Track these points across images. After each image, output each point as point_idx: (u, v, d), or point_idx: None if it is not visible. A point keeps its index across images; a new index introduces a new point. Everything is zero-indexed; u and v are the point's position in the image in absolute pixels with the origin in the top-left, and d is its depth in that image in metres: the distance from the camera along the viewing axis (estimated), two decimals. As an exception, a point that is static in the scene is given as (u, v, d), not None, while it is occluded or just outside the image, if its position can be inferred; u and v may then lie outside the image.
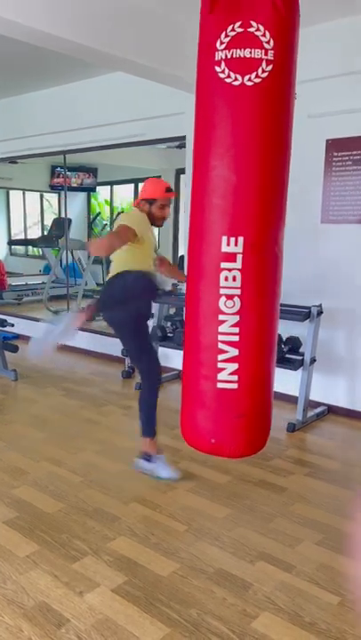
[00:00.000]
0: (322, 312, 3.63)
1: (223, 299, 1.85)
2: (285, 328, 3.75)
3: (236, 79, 1.72)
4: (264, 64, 1.71)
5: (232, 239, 1.80)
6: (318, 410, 3.83)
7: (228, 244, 1.81)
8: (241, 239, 1.80)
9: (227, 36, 1.70)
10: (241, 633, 1.78)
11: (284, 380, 3.93)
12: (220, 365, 1.91)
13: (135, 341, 2.82)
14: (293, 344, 3.75)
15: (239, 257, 1.82)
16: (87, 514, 2.48)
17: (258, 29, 1.70)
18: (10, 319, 5.04)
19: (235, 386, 1.93)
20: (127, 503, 2.59)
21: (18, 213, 9.18)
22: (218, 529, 2.39)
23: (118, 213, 8.44)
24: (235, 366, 1.90)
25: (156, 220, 2.71)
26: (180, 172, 6.99)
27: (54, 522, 2.41)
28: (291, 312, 3.59)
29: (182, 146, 4.63)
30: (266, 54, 1.71)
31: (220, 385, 1.94)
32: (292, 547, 2.26)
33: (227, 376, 1.91)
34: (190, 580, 2.04)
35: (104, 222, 8.97)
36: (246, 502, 2.62)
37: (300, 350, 3.72)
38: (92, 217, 8.92)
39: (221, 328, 1.88)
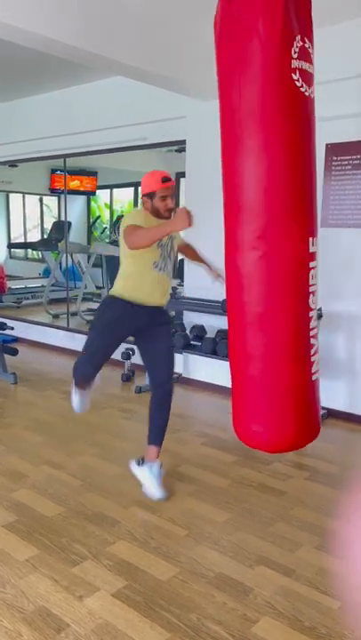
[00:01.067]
0: (322, 316, 3.64)
1: (311, 296, 1.98)
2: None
3: (305, 89, 1.83)
4: (314, 80, 1.88)
5: (313, 239, 1.96)
6: (318, 413, 3.83)
7: (313, 245, 1.95)
8: (315, 239, 1.98)
9: (297, 47, 1.79)
10: (241, 637, 1.77)
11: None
12: (312, 359, 2.02)
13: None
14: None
15: (316, 255, 1.99)
16: (87, 517, 2.48)
17: (310, 47, 1.85)
18: (9, 322, 5.04)
19: (319, 376, 2.09)
20: (127, 507, 2.58)
21: (18, 216, 9.20)
22: (218, 533, 2.38)
23: (119, 217, 8.45)
24: (317, 357, 2.06)
25: (161, 214, 2.52)
26: (180, 175, 7.01)
27: (54, 525, 2.41)
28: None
29: (182, 150, 4.64)
30: (313, 71, 1.87)
31: (314, 377, 2.05)
32: (292, 551, 2.26)
33: (316, 367, 2.05)
34: (190, 585, 2.03)
35: (104, 225, 9.00)
36: (246, 506, 2.61)
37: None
38: (92, 220, 8.94)
39: (311, 324, 2.00)
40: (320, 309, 3.63)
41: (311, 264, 1.96)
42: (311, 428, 2.08)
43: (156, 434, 2.71)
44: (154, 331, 2.68)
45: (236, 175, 1.88)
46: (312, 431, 2.09)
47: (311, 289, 1.97)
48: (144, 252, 2.47)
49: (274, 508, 2.61)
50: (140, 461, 2.75)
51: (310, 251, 1.95)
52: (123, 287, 2.61)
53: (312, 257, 1.96)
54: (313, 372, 2.03)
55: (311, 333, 2.00)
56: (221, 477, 2.90)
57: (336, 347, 3.83)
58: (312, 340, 2.01)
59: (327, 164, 3.69)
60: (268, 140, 1.81)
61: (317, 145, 3.64)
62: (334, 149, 3.65)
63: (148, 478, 2.68)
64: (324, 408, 3.89)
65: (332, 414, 3.88)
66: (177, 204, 7.54)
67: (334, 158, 3.66)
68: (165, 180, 2.51)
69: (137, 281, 2.59)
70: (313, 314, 2.00)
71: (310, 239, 1.94)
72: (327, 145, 3.67)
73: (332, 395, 3.88)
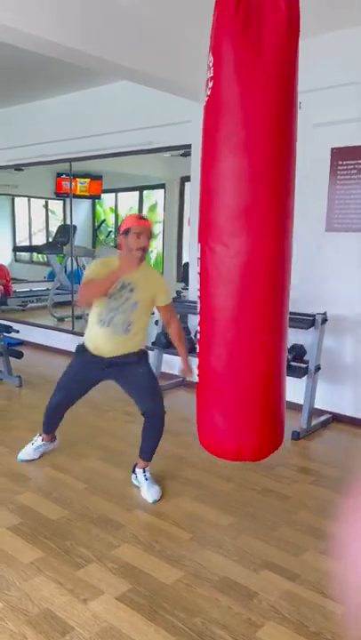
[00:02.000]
0: (326, 320, 3.64)
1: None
2: (290, 336, 3.76)
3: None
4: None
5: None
6: (323, 418, 3.82)
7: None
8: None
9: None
10: (245, 642, 1.77)
11: (289, 388, 3.93)
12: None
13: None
14: (298, 352, 3.75)
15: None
16: (91, 521, 2.48)
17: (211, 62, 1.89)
18: (15, 325, 5.06)
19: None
20: (131, 510, 2.58)
21: (23, 220, 9.24)
22: (222, 537, 2.38)
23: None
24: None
25: (130, 252, 2.49)
26: (185, 180, 7.03)
27: (58, 528, 2.41)
28: (295, 320, 3.59)
29: (187, 154, 4.66)
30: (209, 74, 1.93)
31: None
32: (297, 555, 2.26)
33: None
34: (195, 589, 2.03)
35: (109, 229, 9.02)
36: (250, 510, 2.61)
37: (305, 358, 3.72)
38: (97, 224, 8.97)
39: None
40: (325, 313, 3.62)
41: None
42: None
43: (146, 451, 2.79)
44: (124, 373, 2.73)
45: (214, 169, 1.88)
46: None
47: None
48: (94, 304, 2.62)
49: (278, 512, 2.60)
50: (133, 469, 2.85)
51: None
52: (85, 335, 2.77)
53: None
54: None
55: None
56: (225, 481, 2.90)
57: (341, 351, 3.82)
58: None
59: (333, 169, 3.70)
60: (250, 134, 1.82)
61: (323, 149, 3.70)
62: (340, 154, 3.66)
63: (140, 484, 2.77)
64: (328, 412, 3.88)
65: (338, 419, 3.87)
66: (181, 207, 7.56)
67: (340, 162, 3.66)
68: (141, 218, 2.57)
69: (91, 331, 2.71)
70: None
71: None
72: (333, 149, 3.67)
73: (337, 399, 3.88)
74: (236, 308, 1.90)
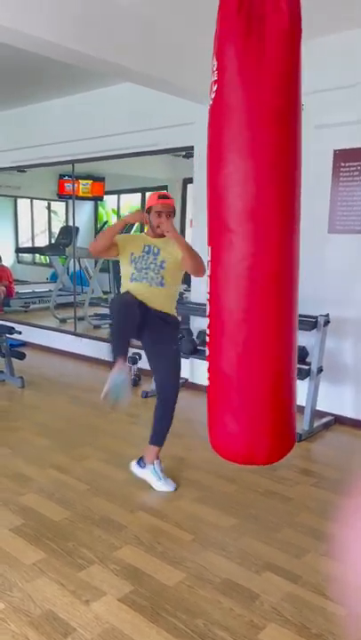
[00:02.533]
0: (329, 321, 3.63)
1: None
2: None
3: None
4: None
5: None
6: (325, 420, 3.82)
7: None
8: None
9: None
10: (247, 644, 1.77)
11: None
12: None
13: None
14: (300, 353, 3.75)
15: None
16: (93, 522, 2.48)
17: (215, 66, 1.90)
18: (17, 327, 5.06)
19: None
20: (133, 512, 2.58)
21: (25, 221, 9.26)
22: (224, 538, 2.38)
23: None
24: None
25: (153, 229, 2.71)
26: (188, 181, 7.04)
27: (60, 530, 2.41)
28: (298, 321, 3.59)
29: (190, 155, 4.67)
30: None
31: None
32: (299, 557, 2.25)
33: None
34: (197, 590, 2.03)
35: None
36: (252, 512, 2.61)
37: (307, 360, 3.72)
38: (100, 225, 8.98)
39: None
40: (327, 315, 3.62)
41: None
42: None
43: (156, 435, 2.83)
44: (156, 334, 2.75)
45: (220, 172, 1.88)
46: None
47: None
48: (122, 264, 2.75)
49: (280, 513, 2.60)
50: (142, 463, 2.85)
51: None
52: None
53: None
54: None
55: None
56: (228, 483, 2.90)
57: (343, 353, 3.82)
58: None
59: (335, 170, 3.70)
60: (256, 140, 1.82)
61: (325, 151, 3.70)
62: (342, 155, 3.66)
63: (154, 477, 2.80)
64: (331, 414, 3.88)
65: (339, 420, 3.86)
66: (184, 209, 7.55)
67: (342, 164, 3.66)
68: (162, 197, 2.68)
69: (125, 286, 2.77)
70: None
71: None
72: (335, 151, 3.67)
73: (338, 401, 3.87)
74: (246, 310, 1.90)
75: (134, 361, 4.61)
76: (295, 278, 1.97)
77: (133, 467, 2.89)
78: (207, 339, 2.07)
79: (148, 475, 2.82)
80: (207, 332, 2.06)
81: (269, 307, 1.91)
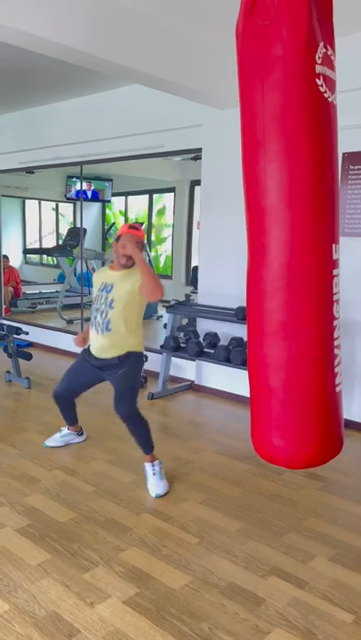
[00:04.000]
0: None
1: (335, 305, 1.91)
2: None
3: (328, 94, 1.80)
4: (336, 87, 1.85)
5: (336, 246, 1.91)
6: (332, 423, 3.79)
7: (336, 252, 1.91)
8: (337, 246, 1.93)
9: (321, 53, 1.76)
10: (253, 649, 1.76)
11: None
12: (336, 370, 1.93)
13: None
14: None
15: (338, 263, 1.94)
16: (99, 524, 2.48)
17: (332, 54, 1.82)
18: (24, 327, 5.08)
19: (342, 388, 1.98)
20: (139, 514, 2.58)
21: (33, 223, 9.30)
22: (230, 542, 2.37)
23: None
24: (340, 369, 1.97)
25: (118, 259, 2.71)
26: (195, 183, 7.04)
27: (66, 531, 2.41)
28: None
29: (198, 158, 4.66)
30: (335, 78, 1.85)
31: (338, 389, 1.95)
32: (305, 562, 2.24)
33: (339, 379, 1.95)
34: (202, 594, 2.02)
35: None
36: (258, 516, 2.59)
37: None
38: (107, 227, 9.01)
39: (335, 334, 1.92)
40: (335, 318, 3.60)
41: (335, 271, 1.93)
42: (334, 443, 2.01)
43: (142, 447, 2.85)
44: (109, 377, 2.85)
45: (259, 181, 1.85)
46: (335, 447, 2.03)
47: (335, 297, 1.94)
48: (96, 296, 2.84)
49: (286, 518, 2.59)
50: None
51: (334, 258, 1.93)
52: None
53: (335, 264, 1.93)
54: (337, 383, 1.99)
55: (335, 343, 1.95)
56: (234, 486, 2.89)
57: (353, 356, 3.80)
58: (336, 351, 1.95)
59: (344, 173, 3.68)
60: (291, 144, 1.78)
61: (334, 154, 3.68)
62: (351, 158, 3.64)
63: (147, 477, 2.83)
64: (338, 418, 3.85)
65: (348, 425, 3.83)
66: (191, 211, 7.56)
67: (351, 167, 3.65)
68: (132, 227, 2.72)
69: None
70: (337, 323, 1.96)
71: (333, 246, 1.92)
72: (344, 154, 3.66)
73: (347, 405, 3.85)
74: (287, 320, 1.87)
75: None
76: (332, 286, 1.95)
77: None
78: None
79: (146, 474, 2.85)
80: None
81: (309, 316, 1.88)
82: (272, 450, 1.94)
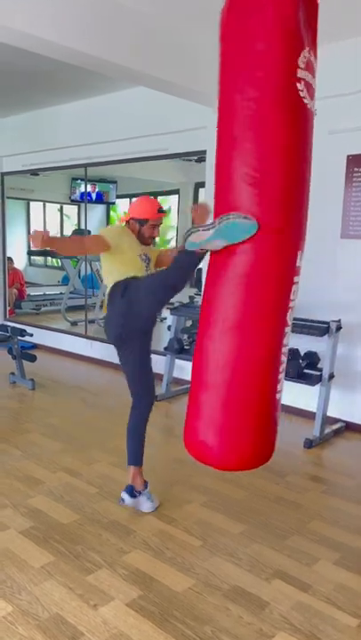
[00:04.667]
0: (341, 327, 3.61)
1: (289, 311, 1.89)
2: (304, 343, 3.73)
3: (308, 100, 1.78)
4: (315, 94, 1.83)
5: (301, 254, 1.88)
6: (336, 426, 3.78)
7: (300, 259, 1.89)
8: (302, 254, 1.90)
9: (303, 58, 1.74)
10: (256, 652, 1.75)
11: (302, 396, 3.90)
12: (279, 377, 1.91)
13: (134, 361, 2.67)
14: (312, 359, 3.73)
15: (300, 270, 1.91)
16: (102, 526, 2.48)
17: (315, 61, 1.81)
18: (28, 329, 5.08)
19: (281, 395, 1.96)
20: (142, 516, 2.58)
21: (38, 224, 9.31)
22: (233, 545, 2.36)
23: None
24: (283, 376, 1.94)
25: (145, 240, 2.63)
26: (199, 185, 7.04)
27: (69, 533, 2.41)
28: (309, 327, 3.57)
29: (202, 159, 4.67)
30: (315, 85, 1.82)
31: (278, 395, 1.93)
32: (309, 565, 2.23)
33: (280, 386, 1.93)
34: (205, 597, 2.02)
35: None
36: (262, 518, 2.59)
37: (319, 366, 3.69)
38: (111, 229, 8.99)
39: (285, 340, 1.91)
40: (339, 321, 3.60)
41: (295, 279, 1.89)
42: (268, 448, 1.95)
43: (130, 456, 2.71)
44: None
45: (229, 177, 1.80)
46: (267, 452, 1.95)
47: (291, 304, 1.89)
48: (131, 254, 2.64)
49: (290, 520, 2.58)
50: (132, 491, 2.63)
51: (297, 265, 1.88)
52: None
53: (297, 272, 1.89)
54: (278, 390, 1.92)
55: (283, 350, 1.91)
56: (237, 488, 2.88)
57: (354, 359, 3.79)
58: (282, 357, 1.91)
59: (348, 176, 3.68)
60: (266, 144, 1.74)
61: (338, 156, 3.68)
62: (355, 160, 3.64)
63: (143, 501, 2.64)
64: (341, 421, 3.85)
65: (350, 427, 3.83)
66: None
67: (355, 169, 3.64)
68: (161, 210, 2.65)
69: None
70: (288, 330, 1.90)
71: (298, 253, 1.87)
72: (348, 156, 3.66)
73: (349, 407, 3.84)
74: (240, 320, 1.84)
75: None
76: (289, 290, 1.91)
77: (124, 496, 2.61)
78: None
79: (142, 500, 2.63)
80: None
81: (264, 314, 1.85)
82: (203, 448, 1.89)
